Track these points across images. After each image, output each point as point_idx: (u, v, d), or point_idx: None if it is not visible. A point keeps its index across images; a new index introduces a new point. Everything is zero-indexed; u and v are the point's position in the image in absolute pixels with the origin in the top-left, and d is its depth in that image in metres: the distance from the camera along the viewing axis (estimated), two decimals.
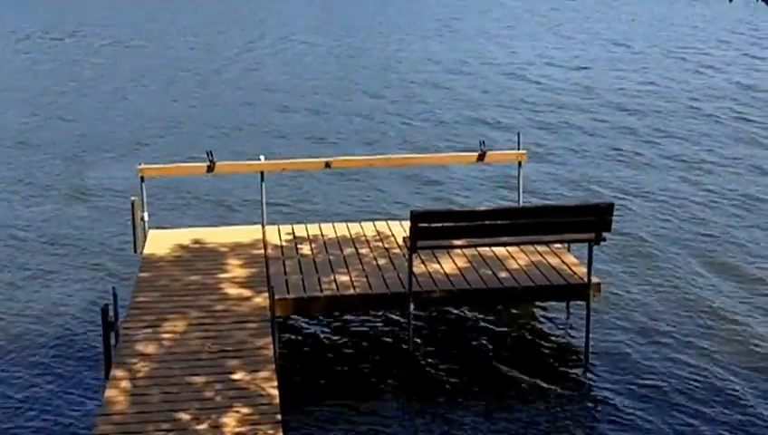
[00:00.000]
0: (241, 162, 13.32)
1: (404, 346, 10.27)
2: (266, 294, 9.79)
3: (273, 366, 8.47)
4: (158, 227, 12.23)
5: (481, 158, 12.32)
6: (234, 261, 10.94)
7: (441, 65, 28.80)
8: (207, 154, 11.93)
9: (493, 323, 10.91)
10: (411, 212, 9.55)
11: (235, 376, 8.27)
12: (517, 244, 10.57)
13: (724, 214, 14.75)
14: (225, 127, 21.11)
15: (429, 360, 10.10)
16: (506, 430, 8.89)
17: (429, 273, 10.48)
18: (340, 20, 40.69)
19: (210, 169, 11.90)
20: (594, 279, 10.20)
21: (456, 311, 11.12)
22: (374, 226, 12.16)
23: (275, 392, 7.99)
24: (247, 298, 9.88)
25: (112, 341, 8.99)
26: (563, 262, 10.77)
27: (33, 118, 22.54)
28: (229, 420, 7.54)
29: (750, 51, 30.46)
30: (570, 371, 9.97)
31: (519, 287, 10.22)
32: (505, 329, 10.82)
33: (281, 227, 12.18)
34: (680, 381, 9.64)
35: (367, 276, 10.46)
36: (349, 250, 11.29)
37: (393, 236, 11.71)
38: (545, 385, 9.62)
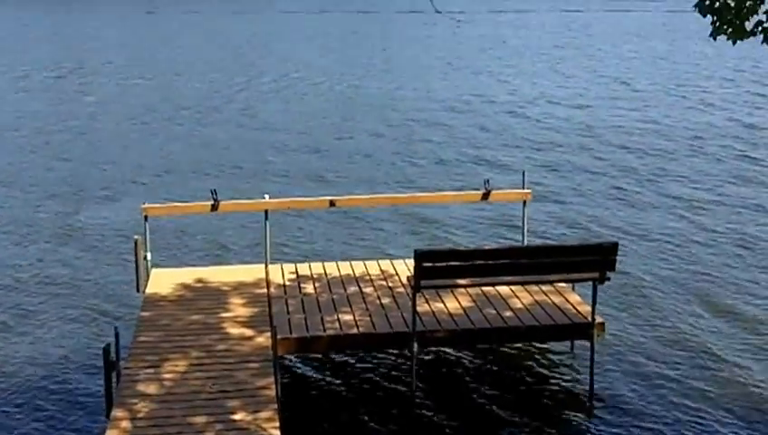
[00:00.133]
0: (245, 201, 13.21)
1: (405, 389, 10.16)
2: (269, 334, 9.71)
3: (275, 406, 8.40)
4: (160, 266, 12.19)
5: (485, 197, 12.29)
6: (236, 300, 10.89)
7: (442, 103, 28.91)
8: (212, 193, 11.86)
9: (495, 364, 10.83)
10: (415, 251, 9.46)
11: (237, 416, 8.20)
12: (522, 283, 10.52)
13: (725, 254, 14.71)
14: (225, 166, 21.12)
15: (430, 403, 9.98)
16: None
17: (433, 312, 10.41)
18: (340, 58, 40.89)
19: (214, 207, 11.82)
20: (598, 319, 10.14)
21: (458, 353, 11.03)
22: (377, 264, 12.11)
23: (277, 433, 7.93)
24: (249, 338, 9.83)
25: (114, 381, 8.92)
26: (567, 301, 10.71)
27: (31, 156, 22.57)
28: None
29: (752, 88, 30.59)
30: (573, 414, 9.84)
31: (523, 327, 10.14)
32: (508, 371, 10.73)
33: (284, 265, 12.11)
34: (682, 425, 9.54)
35: (370, 316, 10.40)
36: (352, 289, 11.24)
37: (397, 275, 11.66)
38: (548, 429, 9.52)
